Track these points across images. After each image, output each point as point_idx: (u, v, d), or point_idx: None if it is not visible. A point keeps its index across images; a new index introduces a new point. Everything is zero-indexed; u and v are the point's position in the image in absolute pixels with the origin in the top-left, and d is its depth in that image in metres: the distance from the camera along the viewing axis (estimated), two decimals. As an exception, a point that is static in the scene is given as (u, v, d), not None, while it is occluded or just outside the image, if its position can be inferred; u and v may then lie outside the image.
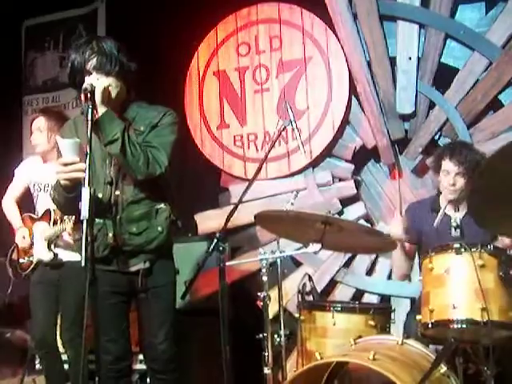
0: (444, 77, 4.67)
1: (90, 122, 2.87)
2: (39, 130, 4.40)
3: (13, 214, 4.59)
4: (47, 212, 4.40)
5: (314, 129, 4.98)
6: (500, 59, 4.46)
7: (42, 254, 4.37)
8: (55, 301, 4.33)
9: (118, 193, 3.18)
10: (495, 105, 4.56)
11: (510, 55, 4.44)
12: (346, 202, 4.96)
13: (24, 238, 4.45)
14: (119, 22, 5.58)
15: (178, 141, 3.28)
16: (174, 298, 3.33)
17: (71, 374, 4.31)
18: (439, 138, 4.71)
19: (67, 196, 3.05)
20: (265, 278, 3.28)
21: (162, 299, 3.28)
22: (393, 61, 4.79)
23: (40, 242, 4.39)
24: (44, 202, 4.40)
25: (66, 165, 2.97)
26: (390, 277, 4.71)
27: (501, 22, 4.49)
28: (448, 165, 3.65)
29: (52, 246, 4.35)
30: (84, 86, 3.01)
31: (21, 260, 4.50)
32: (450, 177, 3.63)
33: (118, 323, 3.25)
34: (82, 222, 2.73)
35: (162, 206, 3.23)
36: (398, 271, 3.92)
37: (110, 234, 3.15)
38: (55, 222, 4.36)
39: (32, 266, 4.42)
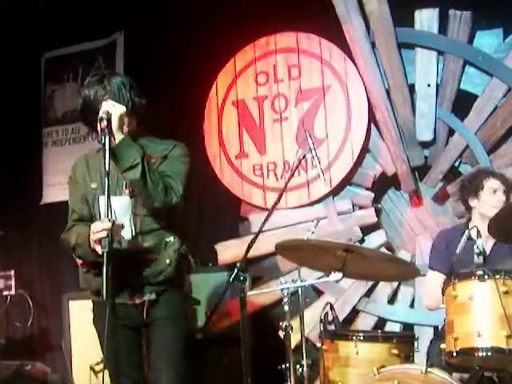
0: (463, 103, 4.67)
1: (108, 151, 2.85)
2: None
3: None
4: None
5: (333, 157, 4.97)
6: (519, 85, 4.46)
7: None
8: None
9: None
10: (515, 131, 4.54)
11: (529, 81, 4.44)
12: (367, 230, 4.93)
13: None
14: (138, 54, 5.63)
15: (196, 172, 3.26)
16: (182, 333, 3.16)
17: None
18: (459, 165, 4.69)
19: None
20: (286, 308, 3.25)
21: (167, 334, 3.11)
22: (411, 88, 4.80)
23: None
24: None
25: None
26: (412, 305, 4.66)
27: (519, 47, 4.50)
28: (494, 183, 3.72)
29: None
30: (100, 114, 2.97)
31: None
32: (500, 193, 3.68)
33: (129, 358, 3.15)
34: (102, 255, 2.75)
35: (172, 239, 3.13)
36: (432, 302, 3.72)
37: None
38: None
39: None
